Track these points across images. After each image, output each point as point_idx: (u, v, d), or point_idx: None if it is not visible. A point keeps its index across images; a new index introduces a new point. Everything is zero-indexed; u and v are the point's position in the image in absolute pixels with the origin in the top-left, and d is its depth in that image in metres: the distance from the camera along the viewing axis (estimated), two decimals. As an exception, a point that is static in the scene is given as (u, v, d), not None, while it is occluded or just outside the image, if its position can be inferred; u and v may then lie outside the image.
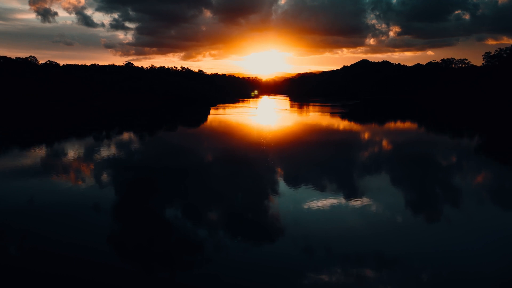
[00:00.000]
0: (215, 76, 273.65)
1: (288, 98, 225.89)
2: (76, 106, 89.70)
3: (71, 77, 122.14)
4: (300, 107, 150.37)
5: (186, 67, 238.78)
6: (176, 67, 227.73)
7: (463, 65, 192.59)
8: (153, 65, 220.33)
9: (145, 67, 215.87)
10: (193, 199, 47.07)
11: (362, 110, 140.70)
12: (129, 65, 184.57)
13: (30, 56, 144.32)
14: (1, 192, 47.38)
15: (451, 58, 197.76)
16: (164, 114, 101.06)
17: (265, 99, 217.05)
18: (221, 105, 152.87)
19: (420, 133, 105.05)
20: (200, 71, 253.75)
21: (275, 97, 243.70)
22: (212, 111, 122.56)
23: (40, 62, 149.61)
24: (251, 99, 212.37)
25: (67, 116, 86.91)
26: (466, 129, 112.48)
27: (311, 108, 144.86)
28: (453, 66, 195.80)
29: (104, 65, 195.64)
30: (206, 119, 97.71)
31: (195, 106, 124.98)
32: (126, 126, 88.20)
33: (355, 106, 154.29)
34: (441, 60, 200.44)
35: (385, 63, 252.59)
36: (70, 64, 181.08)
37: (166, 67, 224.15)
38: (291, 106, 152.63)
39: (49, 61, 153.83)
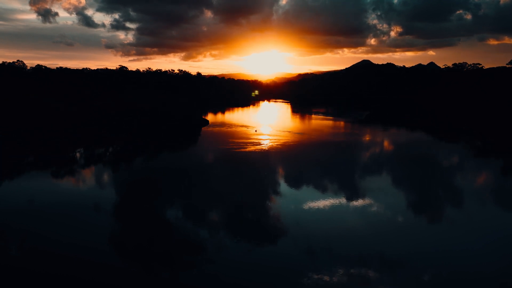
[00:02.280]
0: (214, 79, 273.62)
1: (289, 104, 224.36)
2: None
3: (71, 78, 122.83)
4: (304, 119, 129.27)
5: (184, 69, 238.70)
6: (173, 70, 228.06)
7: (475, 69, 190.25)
8: (149, 68, 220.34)
9: (141, 70, 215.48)
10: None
11: (383, 127, 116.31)
12: (123, 69, 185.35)
13: (18, 60, 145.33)
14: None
15: (464, 62, 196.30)
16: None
17: (265, 105, 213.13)
18: (215, 120, 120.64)
19: (423, 134, 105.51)
20: (198, 73, 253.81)
21: (276, 102, 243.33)
22: (203, 132, 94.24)
23: (29, 66, 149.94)
24: (250, 106, 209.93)
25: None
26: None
27: (318, 123, 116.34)
28: (465, 70, 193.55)
29: (97, 69, 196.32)
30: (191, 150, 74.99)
31: (182, 129, 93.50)
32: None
33: (369, 119, 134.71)
34: (452, 64, 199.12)
35: (388, 65, 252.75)
36: (61, 68, 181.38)
37: (163, 70, 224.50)
38: (294, 118, 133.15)
39: (38, 65, 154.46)
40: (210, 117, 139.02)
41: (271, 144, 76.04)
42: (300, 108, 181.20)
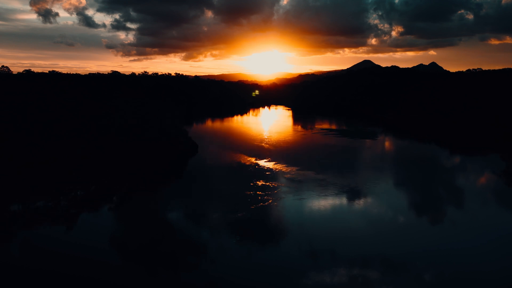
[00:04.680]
0: (212, 82, 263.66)
1: (290, 110, 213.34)
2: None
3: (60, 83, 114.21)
4: (310, 140, 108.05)
5: (181, 73, 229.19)
6: (170, 73, 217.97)
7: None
8: (145, 71, 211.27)
9: (137, 73, 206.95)
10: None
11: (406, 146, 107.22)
12: (115, 73, 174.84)
13: (2, 65, 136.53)
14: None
15: (478, 68, 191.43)
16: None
17: (265, 114, 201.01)
18: (207, 142, 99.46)
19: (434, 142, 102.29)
20: (196, 76, 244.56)
21: (276, 108, 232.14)
22: (189, 167, 73.27)
23: (15, 71, 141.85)
24: (250, 112, 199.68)
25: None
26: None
27: (329, 147, 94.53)
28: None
29: (90, 73, 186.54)
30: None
31: (162, 163, 70.62)
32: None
33: (384, 134, 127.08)
34: (466, 70, 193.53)
35: (393, 67, 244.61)
36: (54, 71, 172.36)
37: (160, 73, 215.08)
38: (298, 136, 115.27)
39: (25, 70, 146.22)
40: (203, 130, 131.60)
41: (271, 199, 52.04)
42: (302, 118, 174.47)
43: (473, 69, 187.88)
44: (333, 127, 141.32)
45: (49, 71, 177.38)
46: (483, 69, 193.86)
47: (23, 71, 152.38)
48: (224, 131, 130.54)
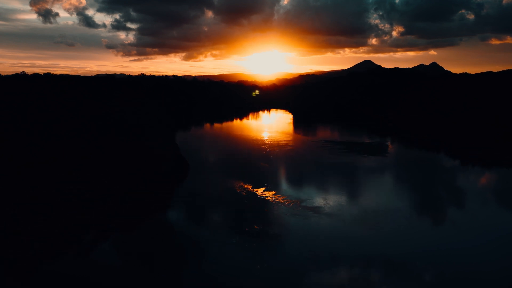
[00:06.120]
0: (210, 83, 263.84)
1: (291, 114, 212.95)
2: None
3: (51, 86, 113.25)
4: (315, 154, 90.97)
5: (179, 74, 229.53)
6: (169, 75, 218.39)
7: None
8: (143, 73, 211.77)
9: (133, 75, 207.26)
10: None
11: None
12: (110, 76, 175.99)
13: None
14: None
15: (489, 71, 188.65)
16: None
17: (264, 119, 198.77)
18: (200, 156, 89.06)
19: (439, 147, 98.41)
20: (194, 78, 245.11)
21: (276, 111, 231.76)
22: (177, 194, 56.30)
23: (16, 71, 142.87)
24: (249, 116, 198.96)
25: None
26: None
27: (338, 164, 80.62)
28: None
29: (85, 75, 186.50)
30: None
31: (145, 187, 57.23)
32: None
33: (384, 136, 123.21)
34: (474, 74, 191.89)
35: (395, 69, 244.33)
36: (49, 73, 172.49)
37: (157, 75, 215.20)
38: (300, 149, 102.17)
39: (17, 73, 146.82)
40: (198, 135, 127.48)
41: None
42: (303, 127, 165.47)
43: (481, 73, 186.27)
44: (335, 135, 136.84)
45: (43, 73, 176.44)
46: (486, 70, 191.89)
47: (14, 74, 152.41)
48: (221, 140, 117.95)
